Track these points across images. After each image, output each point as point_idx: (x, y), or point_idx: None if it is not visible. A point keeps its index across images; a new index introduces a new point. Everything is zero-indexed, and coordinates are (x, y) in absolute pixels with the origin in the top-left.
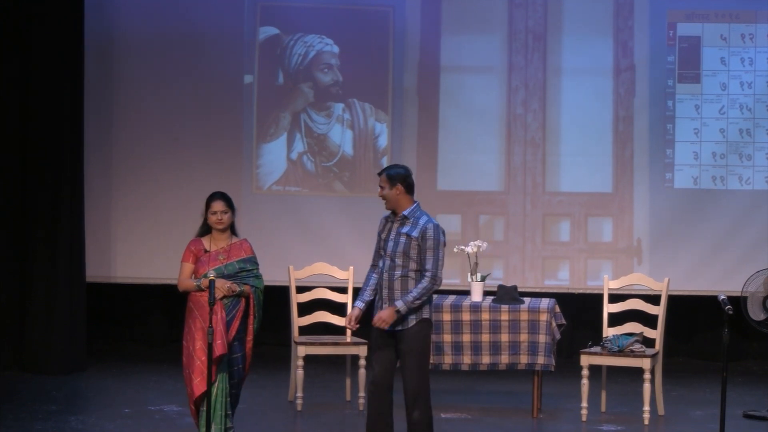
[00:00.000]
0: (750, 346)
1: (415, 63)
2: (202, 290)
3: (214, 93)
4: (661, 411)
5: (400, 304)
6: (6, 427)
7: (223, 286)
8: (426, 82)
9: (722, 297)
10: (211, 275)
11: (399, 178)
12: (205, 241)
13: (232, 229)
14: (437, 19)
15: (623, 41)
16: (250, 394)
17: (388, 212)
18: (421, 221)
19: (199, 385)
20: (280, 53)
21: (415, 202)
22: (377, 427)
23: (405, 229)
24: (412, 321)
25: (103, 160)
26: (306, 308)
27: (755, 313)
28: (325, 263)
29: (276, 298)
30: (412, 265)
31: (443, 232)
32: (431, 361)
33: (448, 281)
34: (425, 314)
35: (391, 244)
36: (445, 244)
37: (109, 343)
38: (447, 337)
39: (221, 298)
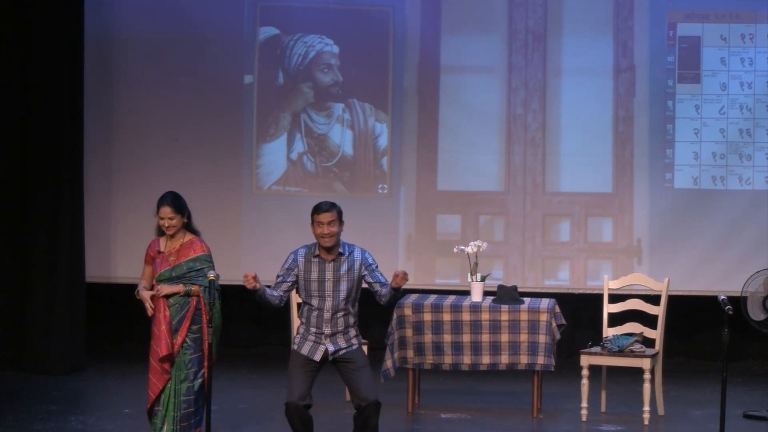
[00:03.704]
0: (750, 346)
1: (415, 63)
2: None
3: (214, 93)
4: (661, 411)
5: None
6: (6, 427)
7: (162, 290)
8: (426, 82)
9: (722, 297)
10: (211, 275)
11: (341, 215)
12: (162, 241)
13: (189, 227)
14: (437, 20)
15: (623, 41)
16: (250, 394)
17: (306, 248)
18: (355, 253)
19: (153, 387)
20: (280, 53)
21: None
22: None
23: (344, 269)
24: (355, 344)
25: (103, 160)
26: None
27: (755, 313)
28: None
29: None
30: (352, 301)
31: None
32: (431, 361)
33: (448, 281)
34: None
35: (329, 284)
36: None
37: (109, 343)
38: (447, 337)
39: (168, 297)
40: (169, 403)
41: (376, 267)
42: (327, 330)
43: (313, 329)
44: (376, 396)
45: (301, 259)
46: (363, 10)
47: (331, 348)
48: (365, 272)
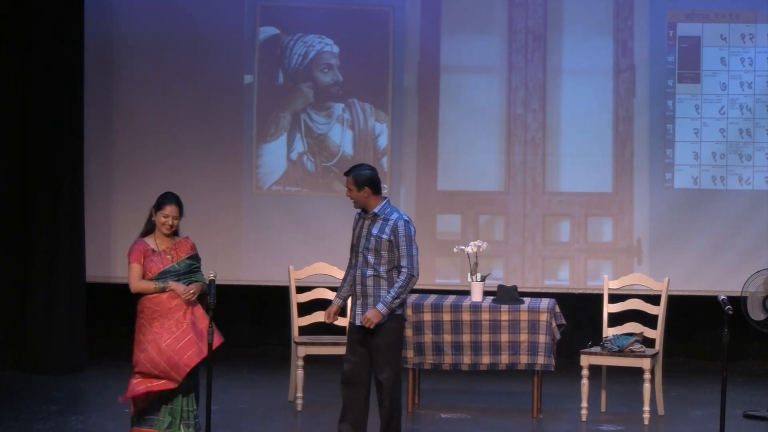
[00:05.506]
0: (750, 346)
1: (415, 63)
2: (163, 291)
3: (214, 93)
4: (661, 411)
5: (381, 307)
6: (6, 427)
7: (188, 290)
8: (426, 82)
9: (722, 297)
10: (211, 275)
11: (366, 181)
12: (149, 241)
13: (176, 230)
14: (437, 19)
15: (623, 41)
16: (250, 394)
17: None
18: (392, 218)
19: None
20: (280, 53)
21: (385, 198)
22: (351, 416)
23: (375, 229)
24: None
25: (103, 160)
26: (306, 308)
27: (755, 313)
28: (325, 263)
29: (276, 298)
30: (384, 264)
31: (413, 227)
32: (431, 361)
33: (448, 281)
34: (398, 311)
35: (363, 241)
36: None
37: (109, 343)
38: (447, 337)
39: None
40: (182, 411)
41: (405, 243)
42: (358, 288)
43: (352, 290)
44: (388, 381)
45: (356, 216)
46: (363, 10)
47: (359, 311)
48: (393, 241)
